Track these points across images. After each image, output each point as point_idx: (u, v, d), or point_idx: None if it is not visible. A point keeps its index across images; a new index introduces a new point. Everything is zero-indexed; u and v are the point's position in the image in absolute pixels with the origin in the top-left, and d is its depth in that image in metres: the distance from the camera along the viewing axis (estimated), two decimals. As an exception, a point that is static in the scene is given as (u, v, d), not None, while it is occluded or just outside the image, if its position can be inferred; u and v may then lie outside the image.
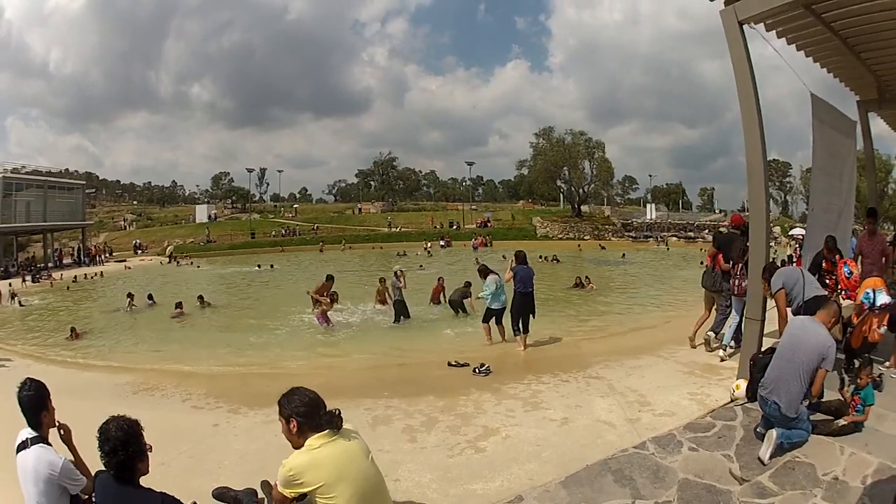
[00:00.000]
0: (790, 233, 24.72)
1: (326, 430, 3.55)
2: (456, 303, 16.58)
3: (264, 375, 10.57)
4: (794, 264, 10.93)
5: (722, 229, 15.04)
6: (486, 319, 11.97)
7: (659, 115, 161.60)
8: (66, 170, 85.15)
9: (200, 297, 20.88)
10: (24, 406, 3.75)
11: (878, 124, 12.44)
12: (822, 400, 5.66)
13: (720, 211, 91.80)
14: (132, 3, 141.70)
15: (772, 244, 9.68)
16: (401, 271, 16.53)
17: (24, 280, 36.98)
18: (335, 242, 60.67)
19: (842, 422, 5.45)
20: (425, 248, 50.77)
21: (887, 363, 7.04)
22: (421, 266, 34.35)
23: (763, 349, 6.75)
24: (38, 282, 37.32)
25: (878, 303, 7.17)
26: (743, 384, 6.53)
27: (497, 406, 7.43)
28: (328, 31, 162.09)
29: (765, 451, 5.03)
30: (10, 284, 30.99)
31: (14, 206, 49.12)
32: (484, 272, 12.22)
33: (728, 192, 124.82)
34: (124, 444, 3.18)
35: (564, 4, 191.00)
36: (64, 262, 51.75)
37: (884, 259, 9.60)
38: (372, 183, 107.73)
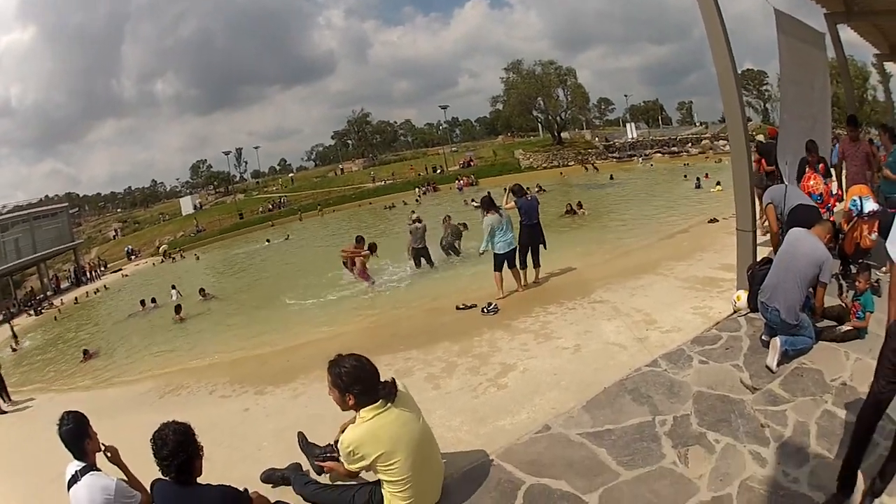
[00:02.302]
0: (757, 138, 24.92)
1: (380, 401, 3.67)
2: (448, 245, 16.36)
3: (282, 351, 10.70)
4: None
5: (760, 138, 15.53)
6: (496, 267, 10.68)
7: (625, 37, 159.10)
8: (46, 196, 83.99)
9: (202, 290, 20.80)
10: (66, 441, 3.79)
11: (850, 33, 12.50)
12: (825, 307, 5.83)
13: (701, 123, 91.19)
14: (82, 20, 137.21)
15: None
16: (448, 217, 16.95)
17: (28, 314, 36.76)
18: (314, 209, 60.84)
19: (845, 328, 5.62)
20: (417, 198, 50.67)
21: (884, 269, 7.19)
22: (413, 212, 34.51)
23: (759, 259, 6.96)
24: (42, 313, 36.78)
25: (866, 210, 7.32)
26: (744, 295, 6.73)
27: (511, 342, 7.66)
28: (281, 3, 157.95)
29: (771, 359, 5.22)
30: (11, 326, 29.64)
31: (3, 246, 48.79)
32: (486, 206, 10.81)
33: (706, 104, 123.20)
34: (182, 445, 3.28)
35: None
36: (61, 286, 51.41)
37: (868, 163, 9.70)
38: (349, 142, 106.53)
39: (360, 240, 15.84)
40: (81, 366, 15.13)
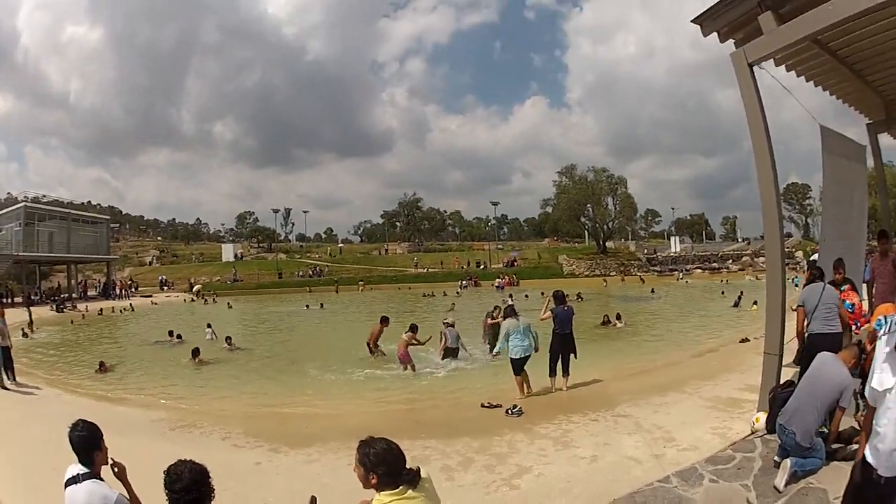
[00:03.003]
0: (811, 258, 24.69)
1: (401, 486, 3.79)
2: (453, 350, 15.81)
3: (301, 416, 10.87)
4: None
5: (815, 258, 15.58)
6: (516, 371, 11.01)
7: (677, 148, 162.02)
8: (89, 202, 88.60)
9: (228, 339, 20.60)
10: (75, 445, 3.82)
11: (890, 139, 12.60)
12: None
13: (744, 240, 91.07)
14: (150, 39, 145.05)
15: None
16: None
17: (51, 309, 38.34)
18: (354, 283, 61.63)
19: (854, 446, 5.66)
20: (458, 290, 51.02)
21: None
22: (453, 304, 34.85)
23: (782, 382, 7.05)
24: (63, 312, 38.39)
25: (892, 329, 7.35)
26: (762, 416, 6.81)
27: (530, 446, 7.76)
28: (347, 72, 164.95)
29: (780, 479, 5.33)
30: (30, 312, 31.36)
31: (36, 235, 50.65)
32: (507, 313, 11.72)
33: (750, 219, 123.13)
34: (197, 483, 3.38)
35: (579, 40, 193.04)
36: (89, 293, 53.28)
37: None
38: (397, 223, 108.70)
39: (384, 320, 16.27)
40: (95, 375, 15.40)
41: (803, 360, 7.33)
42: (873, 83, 9.87)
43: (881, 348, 2.93)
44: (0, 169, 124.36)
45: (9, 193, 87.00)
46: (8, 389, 12.48)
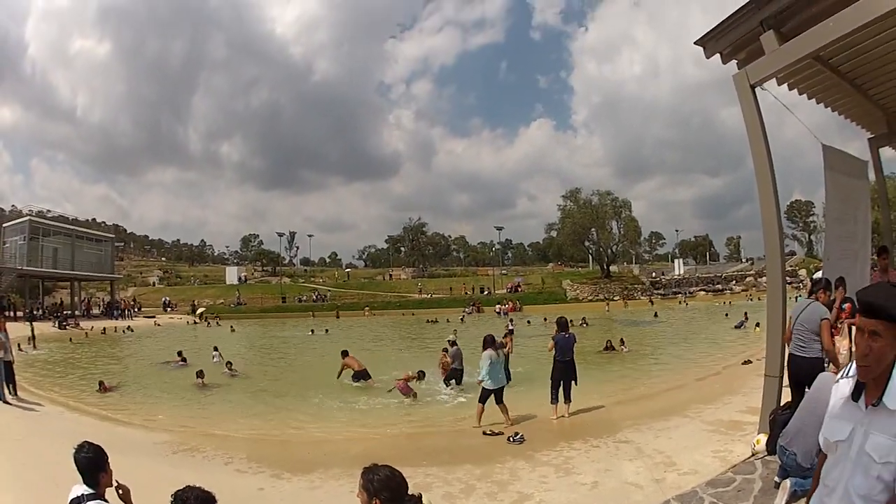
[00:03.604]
0: (814, 276, 24.58)
1: None
2: (457, 371, 16.00)
3: (304, 442, 10.91)
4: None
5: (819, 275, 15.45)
6: (481, 399, 11.27)
7: (682, 168, 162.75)
8: (94, 220, 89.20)
9: (229, 364, 20.47)
10: (80, 467, 3.85)
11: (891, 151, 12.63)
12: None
13: (747, 260, 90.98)
14: (158, 55, 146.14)
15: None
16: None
17: (53, 326, 38.65)
18: (361, 308, 61.61)
19: None
20: (462, 317, 50.72)
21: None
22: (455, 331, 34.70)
23: (782, 404, 7.07)
24: (65, 328, 38.66)
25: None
26: (763, 438, 6.84)
27: (531, 473, 7.77)
28: (354, 93, 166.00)
29: (780, 499, 5.33)
30: (32, 328, 31.18)
31: (41, 250, 50.90)
32: (486, 343, 11.59)
33: (754, 238, 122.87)
34: None
35: (584, 60, 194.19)
36: (92, 312, 53.64)
37: None
38: (402, 248, 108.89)
39: (344, 354, 17.53)
40: (96, 394, 15.46)
41: (790, 378, 7.35)
42: (875, 97, 9.89)
43: (837, 393, 2.68)
44: (5, 180, 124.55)
45: (13, 206, 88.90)
46: (9, 404, 12.54)
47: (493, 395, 11.18)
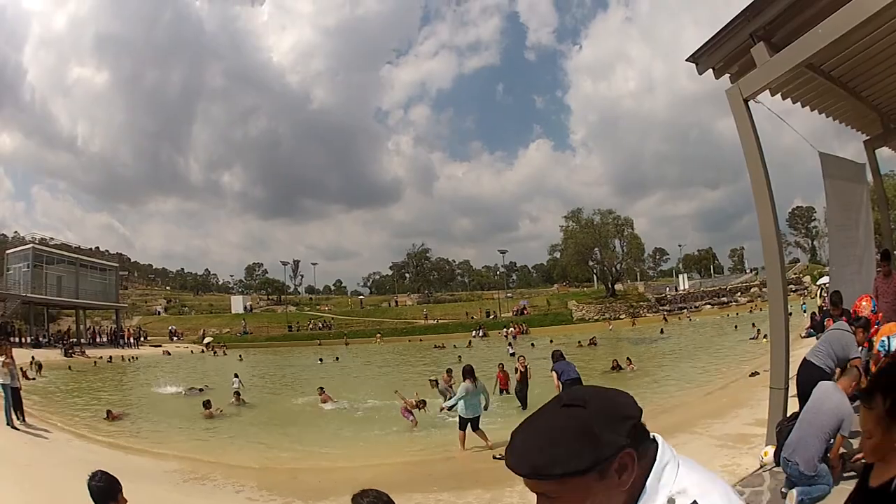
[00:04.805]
0: (818, 282, 24.48)
1: None
2: (521, 394, 16.08)
3: (314, 470, 10.85)
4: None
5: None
6: (461, 426, 11.61)
7: (682, 181, 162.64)
8: (97, 248, 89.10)
9: (237, 393, 20.28)
10: (93, 495, 3.97)
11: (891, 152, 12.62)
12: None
13: (751, 270, 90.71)
14: (156, 84, 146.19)
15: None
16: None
17: (60, 354, 38.54)
18: (368, 335, 61.49)
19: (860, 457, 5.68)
20: (469, 341, 50.44)
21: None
22: (460, 358, 34.65)
23: (789, 415, 7.08)
24: (71, 356, 38.75)
25: (893, 348, 7.31)
26: (771, 450, 6.77)
27: (541, 494, 7.77)
28: (352, 120, 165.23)
29: None
30: (33, 357, 30.73)
31: (45, 277, 51.18)
32: (465, 374, 11.88)
33: (757, 248, 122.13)
34: None
35: (579, 79, 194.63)
36: (97, 340, 53.53)
37: None
38: (406, 275, 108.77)
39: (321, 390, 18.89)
40: (104, 422, 15.40)
41: (798, 387, 7.37)
42: (868, 98, 9.89)
43: None
44: (7, 207, 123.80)
45: (16, 232, 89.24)
46: (17, 429, 12.54)
47: (469, 423, 11.47)
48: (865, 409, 2.19)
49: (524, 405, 15.45)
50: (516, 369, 16.60)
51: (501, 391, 18.02)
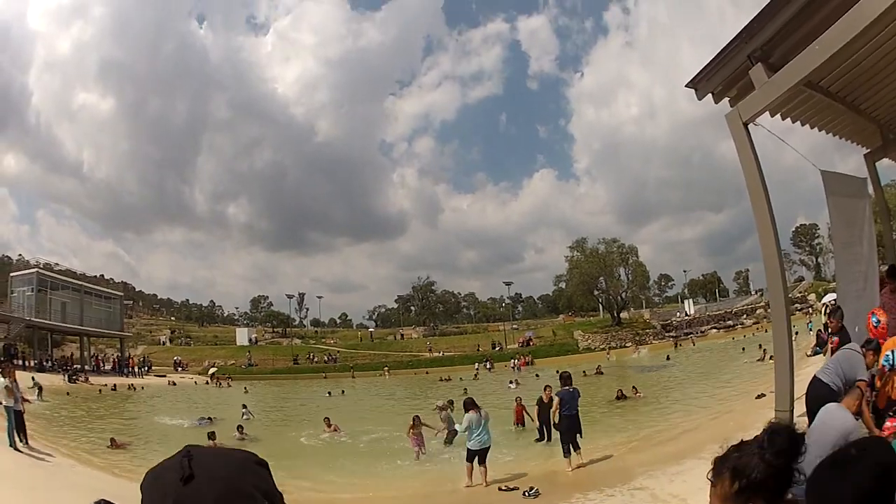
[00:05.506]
0: (823, 300, 24.30)
1: None
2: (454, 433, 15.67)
3: (320, 502, 10.94)
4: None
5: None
6: (468, 458, 11.48)
7: (685, 206, 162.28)
8: (102, 276, 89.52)
9: (239, 427, 20.04)
10: None
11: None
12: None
13: (756, 291, 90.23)
14: (161, 113, 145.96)
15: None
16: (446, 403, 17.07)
17: (63, 380, 38.30)
18: (374, 368, 61.18)
19: None
20: (475, 373, 49.81)
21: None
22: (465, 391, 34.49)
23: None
24: (75, 382, 38.52)
25: None
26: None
27: (547, 525, 7.70)
28: (357, 153, 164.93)
29: None
30: (34, 379, 30.03)
31: (49, 303, 51.24)
32: (467, 406, 11.94)
33: (762, 269, 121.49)
34: None
35: (582, 107, 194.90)
36: (101, 367, 53.38)
37: None
38: (412, 308, 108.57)
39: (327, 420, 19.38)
40: (107, 450, 15.41)
41: (807, 404, 7.28)
42: (866, 111, 9.92)
43: None
44: (11, 230, 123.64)
45: (20, 255, 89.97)
46: (21, 452, 12.48)
47: (476, 455, 11.34)
48: (712, 486, 2.12)
49: (549, 437, 14.81)
50: (540, 399, 16.11)
51: (517, 424, 17.93)
